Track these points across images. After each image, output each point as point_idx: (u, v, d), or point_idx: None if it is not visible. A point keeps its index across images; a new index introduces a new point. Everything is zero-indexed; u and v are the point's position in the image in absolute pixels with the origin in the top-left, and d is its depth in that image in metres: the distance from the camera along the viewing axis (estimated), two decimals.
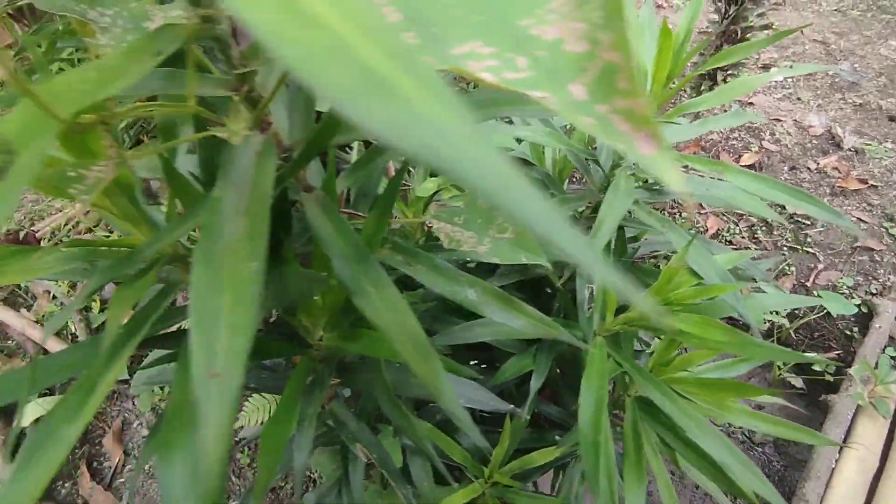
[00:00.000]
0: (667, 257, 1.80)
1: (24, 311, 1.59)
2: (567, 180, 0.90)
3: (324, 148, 0.39)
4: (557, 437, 0.84)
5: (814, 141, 2.31)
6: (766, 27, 2.00)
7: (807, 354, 1.20)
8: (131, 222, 0.39)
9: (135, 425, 1.45)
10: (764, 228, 2.01)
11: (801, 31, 2.99)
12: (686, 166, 0.58)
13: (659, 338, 0.81)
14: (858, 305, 1.70)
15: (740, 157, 2.28)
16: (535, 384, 0.62)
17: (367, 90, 0.11)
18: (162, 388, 1.47)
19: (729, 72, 2.04)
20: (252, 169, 0.32)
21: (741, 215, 2.10)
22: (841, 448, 1.39)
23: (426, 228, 0.60)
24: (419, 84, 0.12)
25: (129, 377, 1.47)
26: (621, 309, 0.64)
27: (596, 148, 0.77)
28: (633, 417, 0.67)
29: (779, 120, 2.43)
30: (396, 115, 0.11)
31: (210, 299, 0.25)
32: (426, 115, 0.11)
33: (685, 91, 2.43)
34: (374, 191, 0.56)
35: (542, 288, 0.70)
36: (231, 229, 0.28)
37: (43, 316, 1.59)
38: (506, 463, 0.75)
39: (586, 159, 0.72)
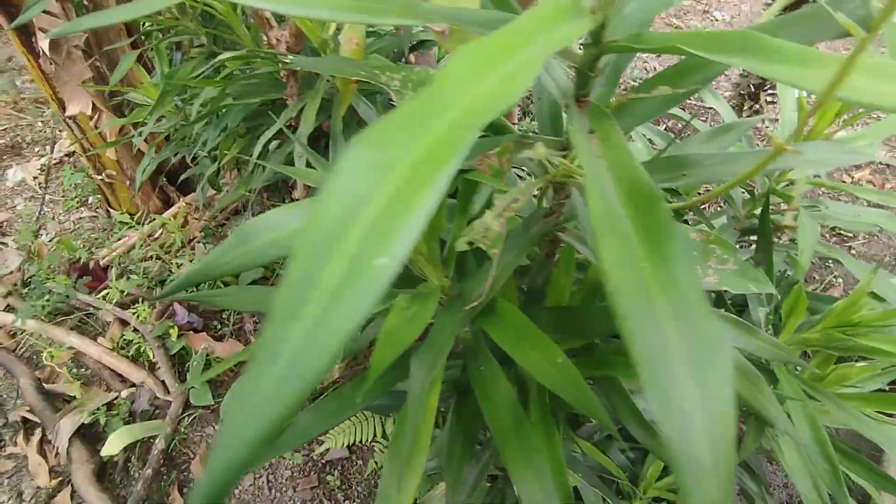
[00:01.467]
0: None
1: (100, 339, 1.60)
2: None
3: None
4: None
5: None
6: None
7: None
8: (432, 265, 0.43)
9: None
10: None
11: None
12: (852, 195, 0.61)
13: None
14: None
15: None
16: None
17: None
18: None
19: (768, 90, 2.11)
20: None
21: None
22: None
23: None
24: None
25: (213, 402, 1.49)
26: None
27: None
28: None
29: None
30: None
31: (654, 337, 0.29)
32: None
33: None
34: None
35: None
36: None
37: (118, 343, 1.60)
38: (660, 478, 0.78)
39: None
